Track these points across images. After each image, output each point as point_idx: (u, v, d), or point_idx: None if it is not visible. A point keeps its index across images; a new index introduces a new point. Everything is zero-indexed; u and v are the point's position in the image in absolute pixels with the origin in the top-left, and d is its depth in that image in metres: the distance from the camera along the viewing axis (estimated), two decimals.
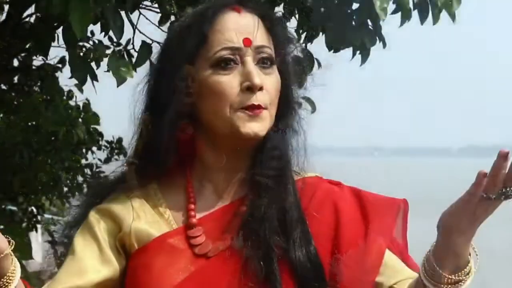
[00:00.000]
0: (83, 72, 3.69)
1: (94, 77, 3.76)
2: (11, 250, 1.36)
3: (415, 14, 4.00)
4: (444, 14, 3.99)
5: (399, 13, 4.01)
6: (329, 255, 1.50)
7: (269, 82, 1.51)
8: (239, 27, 1.51)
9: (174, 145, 1.52)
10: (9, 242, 1.35)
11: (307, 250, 1.48)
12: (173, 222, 1.53)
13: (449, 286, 1.37)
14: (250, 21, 1.52)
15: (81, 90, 6.10)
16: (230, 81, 1.49)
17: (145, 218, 1.53)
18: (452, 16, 3.99)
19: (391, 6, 3.92)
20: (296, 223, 1.50)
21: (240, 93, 1.48)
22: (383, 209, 1.55)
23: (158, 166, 1.53)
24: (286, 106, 1.56)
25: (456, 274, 1.36)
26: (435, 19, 3.98)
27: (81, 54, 3.85)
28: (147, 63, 3.42)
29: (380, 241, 1.51)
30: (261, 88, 1.49)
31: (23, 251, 4.43)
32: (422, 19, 3.96)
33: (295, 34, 4.11)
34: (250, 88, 1.48)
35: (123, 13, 3.46)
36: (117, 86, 3.34)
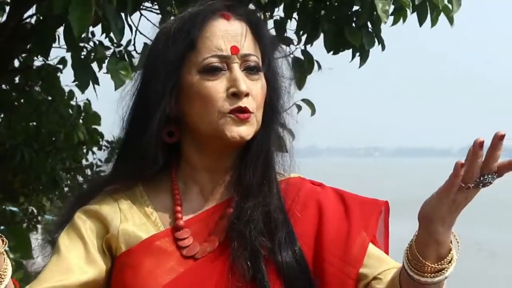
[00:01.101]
0: (85, 77, 3.68)
1: (96, 81, 3.76)
2: (8, 250, 1.35)
3: (414, 16, 4.02)
4: (441, 17, 4.02)
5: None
6: (313, 253, 1.52)
7: (255, 88, 1.53)
8: (227, 35, 1.52)
9: (161, 149, 1.53)
10: (2, 241, 1.34)
11: (293, 251, 1.50)
12: (160, 224, 1.54)
13: (432, 274, 1.38)
14: (238, 29, 1.54)
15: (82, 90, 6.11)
16: (217, 86, 1.51)
17: (133, 220, 1.54)
18: (450, 20, 4.01)
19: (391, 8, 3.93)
20: (281, 225, 1.52)
21: (226, 99, 1.50)
22: (365, 208, 1.58)
23: (145, 169, 1.54)
24: (272, 111, 1.58)
25: (439, 263, 1.38)
26: (433, 22, 4.01)
27: (82, 56, 3.85)
28: None
29: (363, 234, 1.54)
30: (247, 94, 1.51)
31: (24, 251, 4.44)
32: (421, 21, 3.98)
33: (295, 36, 4.14)
34: (236, 94, 1.50)
35: (123, 14, 3.46)
36: (115, 89, 3.35)
